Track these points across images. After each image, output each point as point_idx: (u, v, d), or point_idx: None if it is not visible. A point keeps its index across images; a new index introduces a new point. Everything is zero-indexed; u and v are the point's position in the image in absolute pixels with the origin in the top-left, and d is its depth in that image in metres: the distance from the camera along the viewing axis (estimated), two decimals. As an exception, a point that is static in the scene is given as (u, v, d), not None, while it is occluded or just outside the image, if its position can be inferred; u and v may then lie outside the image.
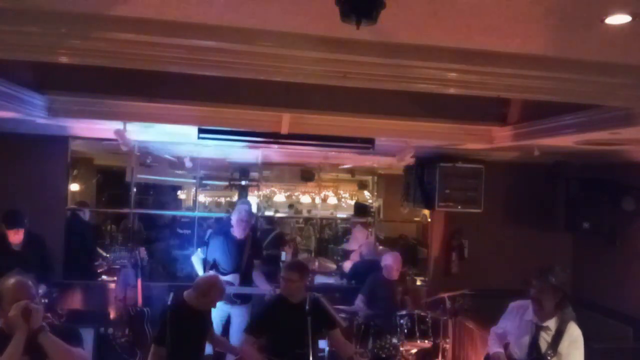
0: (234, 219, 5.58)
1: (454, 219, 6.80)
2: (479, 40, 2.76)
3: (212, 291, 4.08)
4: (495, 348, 3.90)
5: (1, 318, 2.77)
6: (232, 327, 5.57)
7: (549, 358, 3.55)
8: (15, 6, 2.55)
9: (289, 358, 3.93)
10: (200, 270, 5.52)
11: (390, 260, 6.05)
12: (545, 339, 3.62)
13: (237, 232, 5.58)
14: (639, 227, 5.92)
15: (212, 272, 4.83)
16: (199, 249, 5.71)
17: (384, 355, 5.34)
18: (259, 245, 6.03)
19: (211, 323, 4.44)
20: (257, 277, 5.63)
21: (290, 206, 10.73)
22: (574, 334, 3.57)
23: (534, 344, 3.65)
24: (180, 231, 8.65)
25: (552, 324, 3.61)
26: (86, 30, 2.73)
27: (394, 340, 5.35)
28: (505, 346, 3.89)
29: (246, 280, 5.57)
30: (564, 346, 3.55)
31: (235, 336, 5.48)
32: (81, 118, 4.88)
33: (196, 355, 4.06)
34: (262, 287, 5.53)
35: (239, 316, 5.55)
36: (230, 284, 5.45)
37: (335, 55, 2.94)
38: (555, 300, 3.57)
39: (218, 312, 5.51)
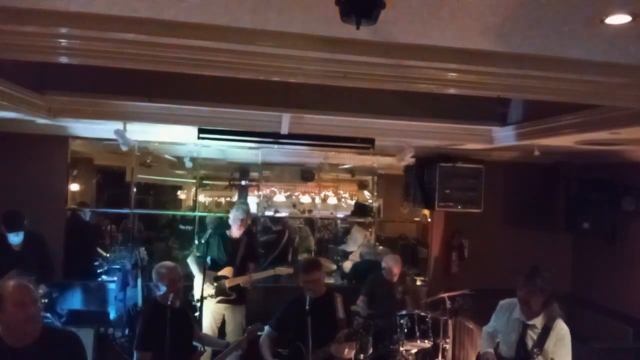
0: (231, 217, 5.62)
1: (454, 219, 6.80)
2: (479, 40, 2.76)
3: (164, 277, 3.92)
4: (486, 347, 3.94)
5: (1, 319, 2.72)
6: (227, 328, 5.57)
7: (535, 356, 3.57)
8: (15, 6, 2.55)
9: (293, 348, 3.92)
10: (195, 270, 5.53)
11: (390, 263, 6.06)
12: (531, 337, 3.65)
13: (234, 230, 5.62)
14: (639, 227, 5.92)
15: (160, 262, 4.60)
16: (195, 250, 5.70)
17: (384, 351, 5.34)
18: (254, 249, 6.04)
19: (194, 323, 4.40)
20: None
21: (294, 206, 10.72)
22: (561, 332, 3.60)
23: (521, 342, 3.68)
24: (182, 227, 8.65)
25: (538, 322, 3.64)
26: (86, 30, 2.73)
27: (393, 342, 5.36)
28: (497, 346, 3.91)
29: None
30: (550, 344, 3.58)
31: (232, 338, 5.46)
32: (81, 118, 4.88)
33: (182, 356, 3.98)
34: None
35: (234, 317, 5.56)
36: (225, 277, 5.48)
37: (335, 55, 2.94)
38: (542, 299, 3.60)
39: (213, 314, 5.53)
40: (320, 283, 4.15)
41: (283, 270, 5.50)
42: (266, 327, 4.30)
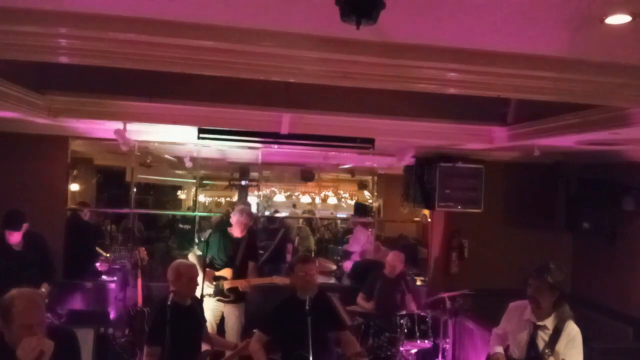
0: (233, 218, 5.61)
1: (454, 219, 6.80)
2: (479, 40, 2.76)
3: (181, 277, 3.95)
4: (496, 348, 3.91)
5: (5, 330, 2.71)
6: (226, 326, 5.58)
7: (546, 357, 3.55)
8: (15, 6, 2.55)
9: (294, 357, 3.91)
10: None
11: (391, 257, 6.07)
12: (542, 337, 3.63)
13: (235, 231, 5.63)
14: (639, 227, 5.92)
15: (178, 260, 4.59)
16: (196, 247, 5.73)
17: (383, 355, 5.35)
18: (255, 248, 6.04)
19: (205, 320, 4.42)
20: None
21: (294, 206, 10.74)
22: (572, 333, 3.58)
23: (532, 343, 3.66)
24: (182, 226, 8.68)
25: (549, 322, 3.62)
26: (86, 30, 2.73)
27: (388, 334, 5.37)
28: (507, 348, 3.89)
29: (239, 278, 5.58)
30: (561, 345, 3.56)
31: (230, 335, 5.50)
32: (81, 118, 4.88)
33: (191, 354, 4.02)
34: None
35: (233, 315, 5.57)
36: (224, 278, 5.49)
37: (335, 55, 2.94)
38: (552, 298, 3.59)
39: (212, 311, 5.54)
40: (316, 278, 4.15)
41: (279, 279, 5.49)
42: (255, 332, 4.23)
